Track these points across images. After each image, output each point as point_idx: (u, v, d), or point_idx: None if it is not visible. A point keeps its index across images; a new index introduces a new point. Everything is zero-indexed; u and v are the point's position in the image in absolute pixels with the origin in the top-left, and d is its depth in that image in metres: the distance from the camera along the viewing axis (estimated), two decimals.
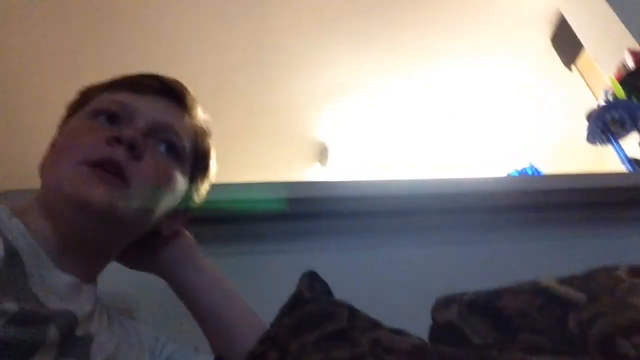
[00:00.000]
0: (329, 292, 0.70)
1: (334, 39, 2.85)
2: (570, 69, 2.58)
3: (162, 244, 0.72)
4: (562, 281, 0.69)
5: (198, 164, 0.73)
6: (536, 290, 0.67)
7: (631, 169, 1.77)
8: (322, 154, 3.49)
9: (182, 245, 0.73)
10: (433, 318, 0.71)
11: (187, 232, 0.76)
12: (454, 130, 3.42)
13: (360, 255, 0.98)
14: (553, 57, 2.67)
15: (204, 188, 0.76)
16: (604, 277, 0.71)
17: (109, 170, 0.58)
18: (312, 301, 0.65)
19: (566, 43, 2.52)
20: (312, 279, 0.71)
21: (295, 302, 0.67)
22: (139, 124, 0.64)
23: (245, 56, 2.89)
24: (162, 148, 0.66)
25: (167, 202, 0.67)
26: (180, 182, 0.69)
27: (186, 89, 0.73)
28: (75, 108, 0.70)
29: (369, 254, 0.99)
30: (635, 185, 1.18)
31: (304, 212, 0.97)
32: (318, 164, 3.50)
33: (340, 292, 0.71)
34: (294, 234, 0.98)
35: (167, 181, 0.66)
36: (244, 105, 3.08)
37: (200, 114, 0.75)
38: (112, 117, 0.64)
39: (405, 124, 3.38)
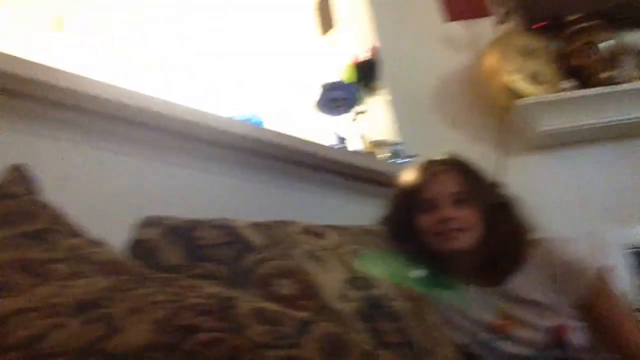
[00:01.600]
0: (35, 190, 0.67)
1: None
2: (323, 40, 2.83)
3: None
4: (251, 225, 0.83)
5: None
6: (229, 227, 0.79)
7: (337, 143, 2.10)
8: (58, 23, 3.16)
9: None
10: (135, 234, 0.77)
11: None
12: (200, 57, 3.36)
13: (85, 154, 0.94)
14: (310, 26, 2.87)
15: None
16: (283, 229, 0.88)
17: None
18: (14, 197, 0.63)
19: (324, 16, 2.76)
20: (19, 173, 0.68)
21: None
22: None
23: None
24: None
25: None
26: None
27: None
28: None
29: (92, 155, 0.96)
30: (334, 158, 1.43)
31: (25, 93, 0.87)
32: (55, 32, 3.15)
33: (54, 187, 0.70)
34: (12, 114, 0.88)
35: None
36: None
37: None
38: None
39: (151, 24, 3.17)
